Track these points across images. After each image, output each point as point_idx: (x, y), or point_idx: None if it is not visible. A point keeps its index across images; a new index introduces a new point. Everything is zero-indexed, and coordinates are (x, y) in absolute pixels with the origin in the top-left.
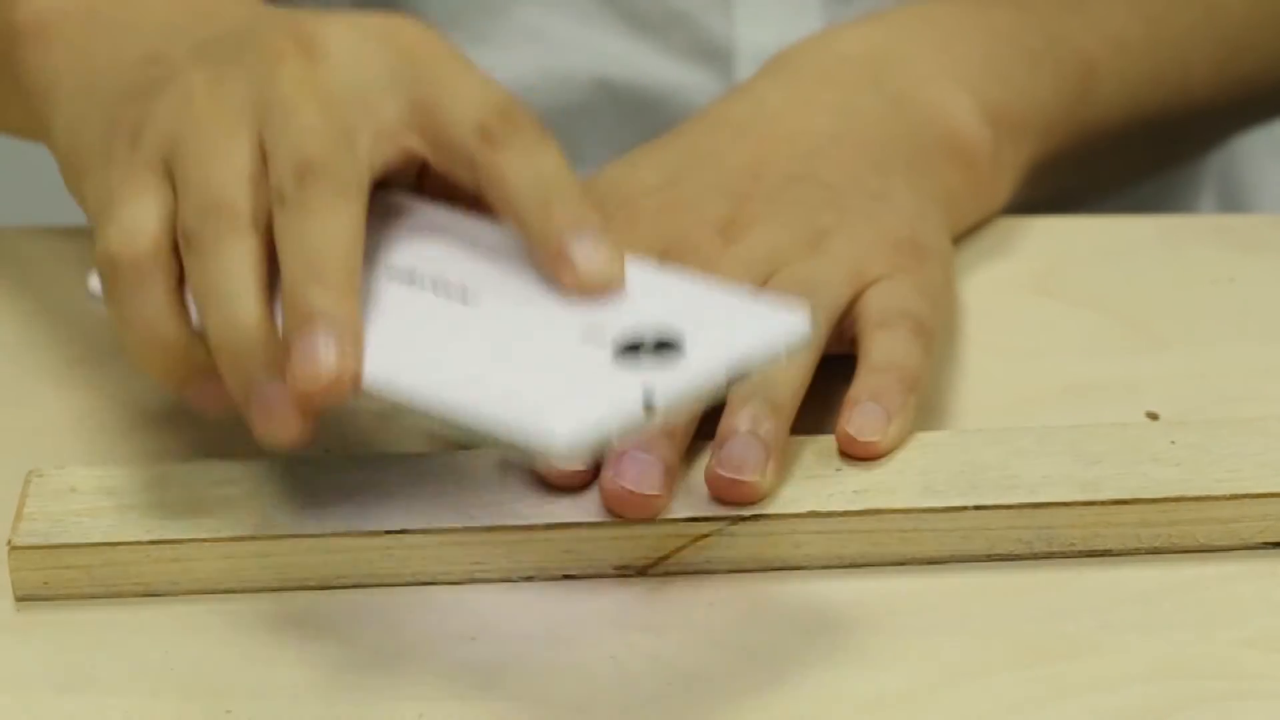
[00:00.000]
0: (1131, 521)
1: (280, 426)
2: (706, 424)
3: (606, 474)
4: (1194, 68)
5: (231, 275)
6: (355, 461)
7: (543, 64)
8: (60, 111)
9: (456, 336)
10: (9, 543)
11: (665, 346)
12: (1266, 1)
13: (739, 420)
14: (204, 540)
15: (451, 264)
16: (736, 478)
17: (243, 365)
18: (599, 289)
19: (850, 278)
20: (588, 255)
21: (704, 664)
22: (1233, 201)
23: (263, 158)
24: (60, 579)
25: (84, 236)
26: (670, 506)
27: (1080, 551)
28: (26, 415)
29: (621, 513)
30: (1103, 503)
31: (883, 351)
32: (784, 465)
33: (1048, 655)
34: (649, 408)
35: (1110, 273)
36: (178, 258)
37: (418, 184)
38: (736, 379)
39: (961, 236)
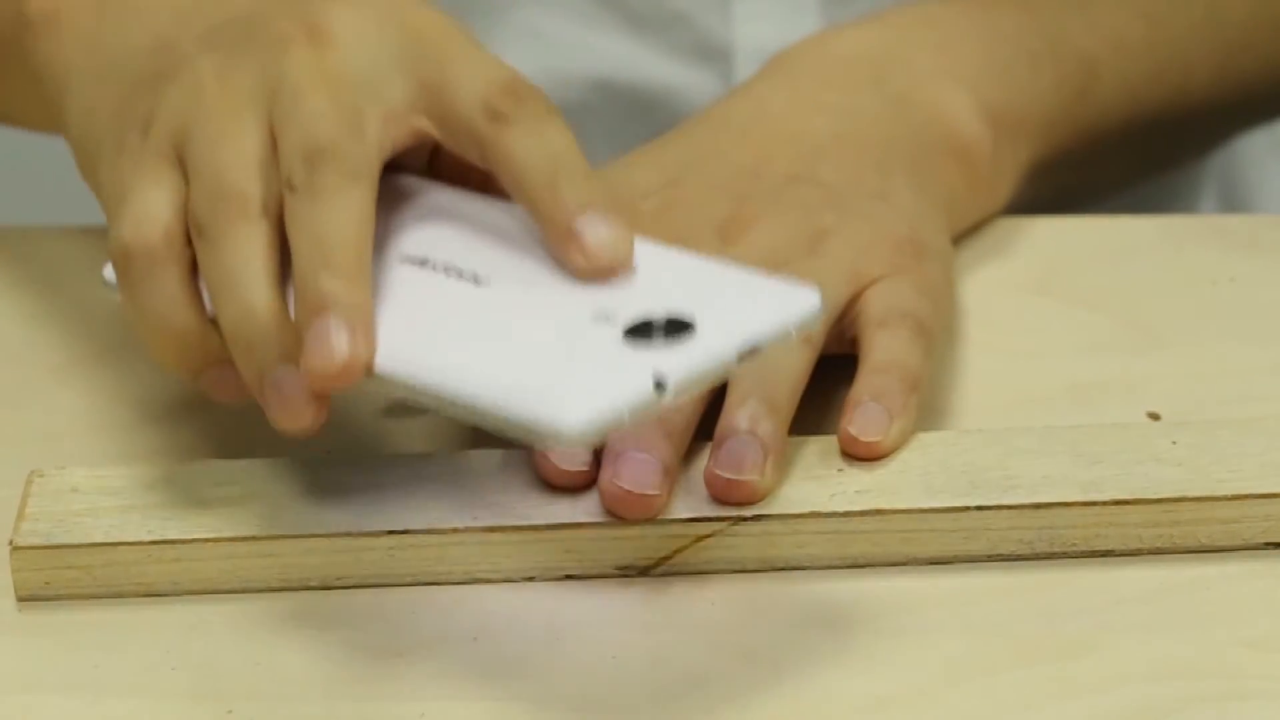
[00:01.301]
0: (1133, 522)
1: (295, 413)
2: (706, 424)
3: (605, 474)
4: (1194, 68)
5: (243, 263)
6: (357, 462)
7: (542, 64)
8: (73, 100)
9: (467, 320)
10: (11, 543)
11: (676, 326)
12: (1267, 2)
13: (737, 420)
14: (206, 540)
15: (463, 247)
16: (735, 477)
17: (256, 353)
18: (607, 268)
19: (850, 278)
20: (596, 234)
21: (705, 664)
22: (1234, 202)
23: (273, 144)
24: (62, 579)
25: (85, 236)
26: (672, 507)
27: (1081, 552)
28: (28, 415)
29: (620, 513)
30: (1104, 503)
31: (884, 351)
32: (783, 464)
33: (1049, 655)
34: (660, 388)
35: (1111, 273)
36: (191, 246)
37: (430, 166)
38: (748, 357)
39: (961, 236)
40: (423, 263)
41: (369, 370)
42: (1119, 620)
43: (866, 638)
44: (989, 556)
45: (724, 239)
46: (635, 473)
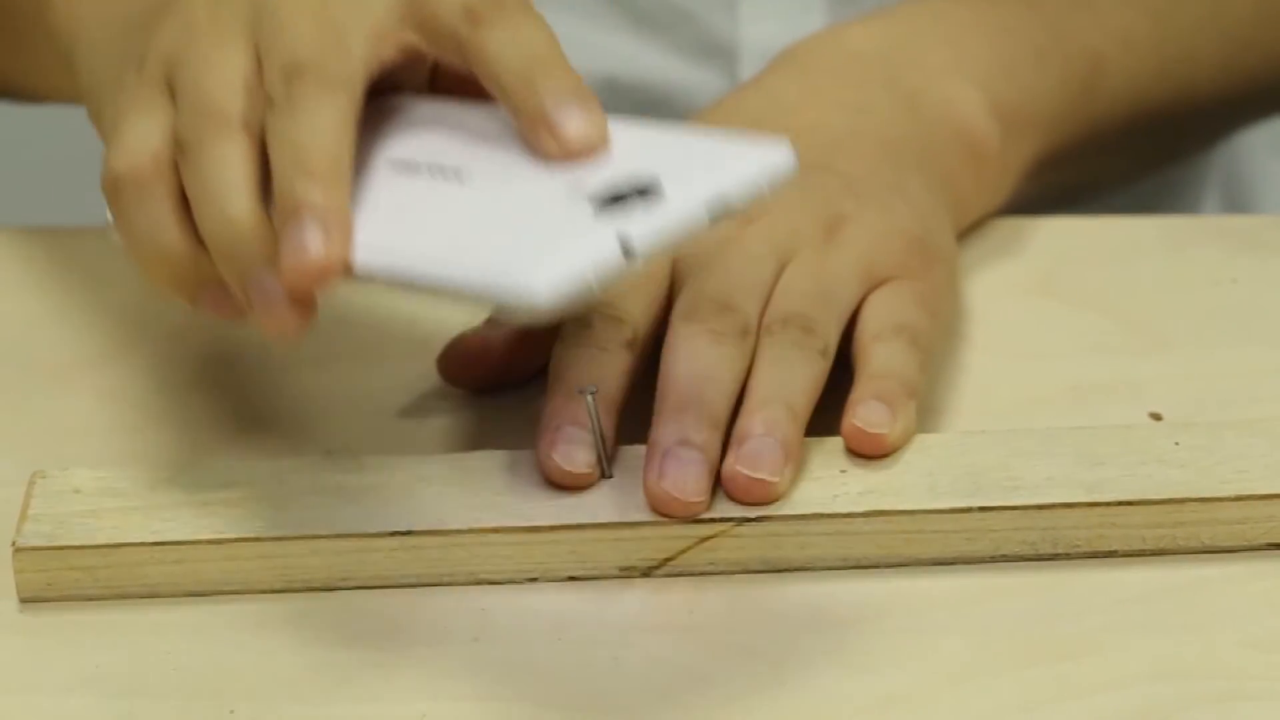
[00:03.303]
0: (1136, 523)
1: (277, 316)
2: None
3: (650, 473)
4: (1199, 64)
5: (222, 174)
6: (359, 463)
7: None
8: (83, 52)
9: (446, 211)
10: (13, 544)
11: (644, 191)
12: None
13: (755, 423)
14: (208, 542)
15: (450, 149)
16: (758, 476)
17: (238, 260)
18: (582, 153)
19: (863, 277)
20: (571, 122)
21: (707, 664)
22: (1236, 202)
23: (259, 66)
24: (64, 580)
25: (87, 236)
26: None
27: (1084, 553)
28: (30, 416)
29: (664, 513)
30: (1107, 504)
31: (880, 362)
32: (798, 469)
33: (1051, 656)
34: (628, 251)
35: (1112, 274)
36: (179, 171)
37: (432, 84)
38: (720, 215)
39: (963, 236)
40: (408, 166)
41: (346, 270)
42: (1122, 621)
43: (869, 638)
44: (992, 557)
45: (742, 219)
46: (680, 475)
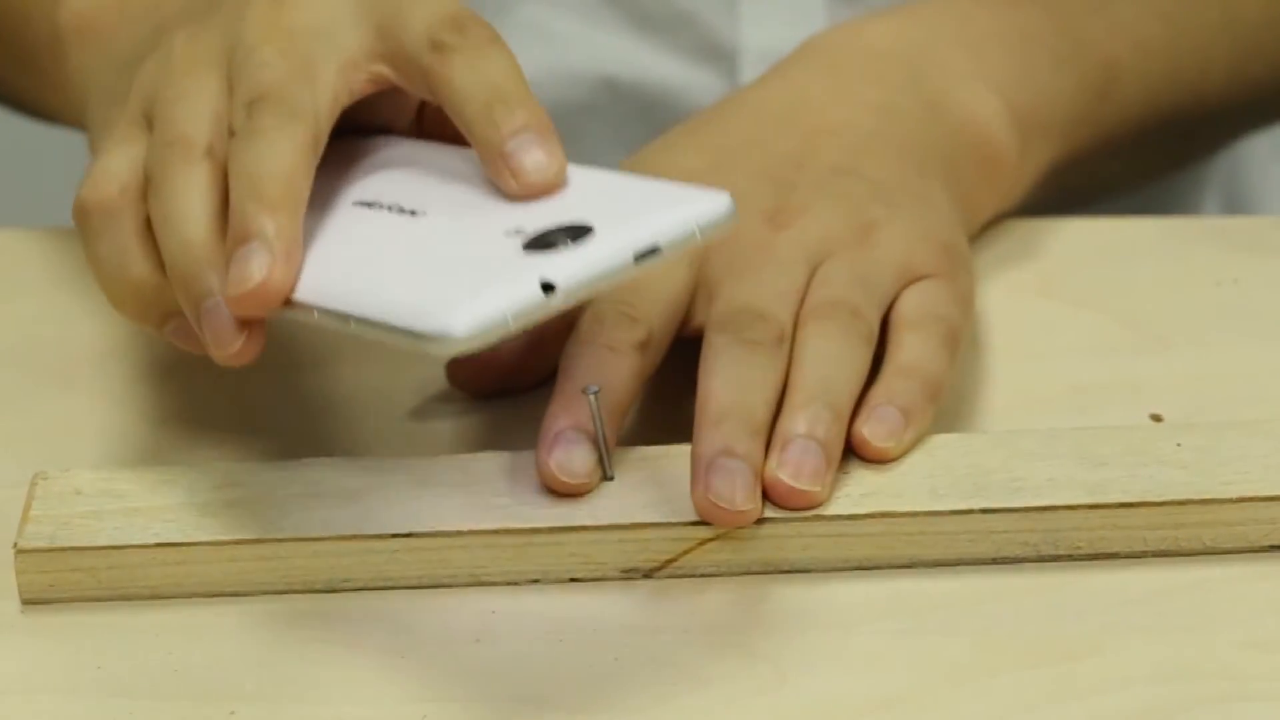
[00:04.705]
0: (1137, 524)
1: (222, 340)
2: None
3: (697, 487)
4: (1210, 70)
5: (182, 201)
6: (361, 464)
7: (548, 62)
8: (90, 99)
9: (391, 248)
10: (15, 546)
11: (575, 233)
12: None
13: (798, 422)
14: (209, 543)
15: (410, 187)
16: (800, 486)
17: (192, 285)
18: (540, 188)
19: (900, 272)
20: (530, 157)
21: (709, 666)
22: (1236, 203)
23: (228, 98)
24: (66, 582)
25: None
26: (675, 510)
27: (1086, 554)
28: (32, 418)
29: (714, 523)
30: (1109, 506)
31: (911, 353)
32: (836, 470)
33: (1053, 657)
34: (548, 289)
35: (1114, 274)
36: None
37: (417, 125)
38: (647, 258)
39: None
40: (370, 205)
41: (285, 293)
42: (1123, 622)
43: (871, 640)
44: (994, 559)
45: (773, 226)
46: (727, 487)
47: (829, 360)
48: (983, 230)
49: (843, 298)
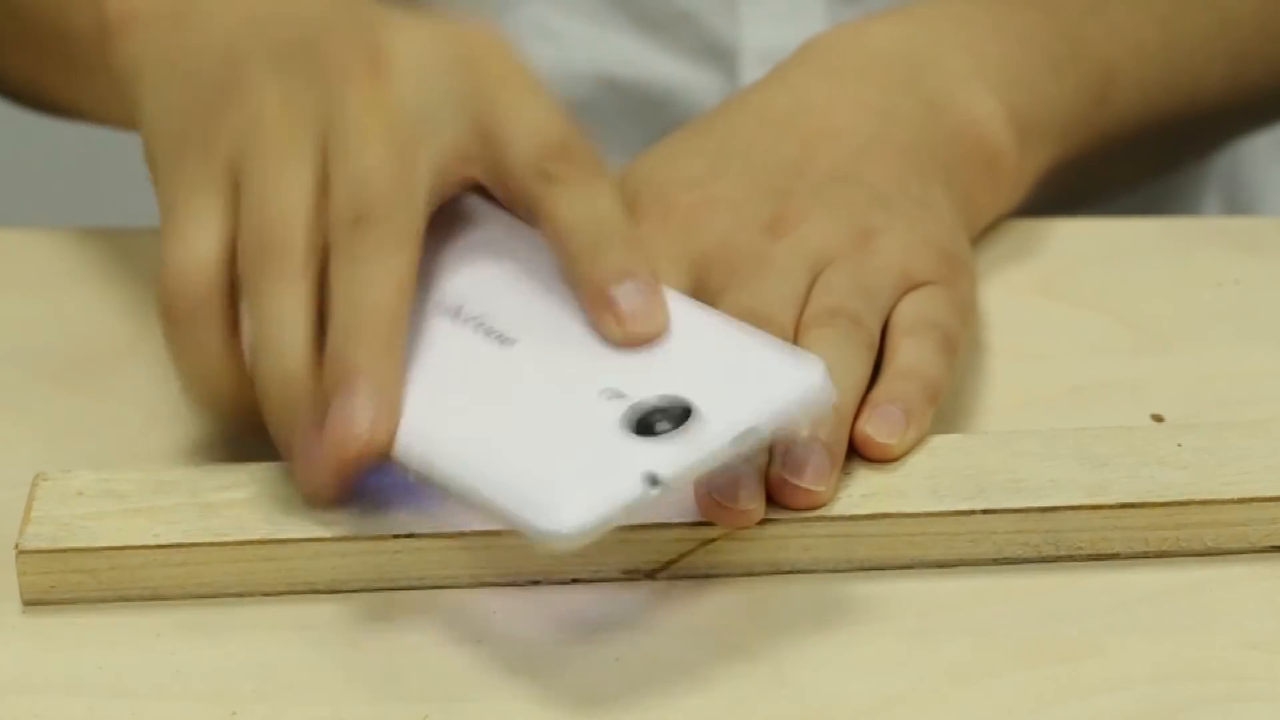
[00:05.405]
0: (1139, 525)
1: (316, 481)
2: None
3: (698, 487)
4: (1206, 74)
5: (281, 324)
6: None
7: (550, 60)
8: (145, 102)
9: (485, 395)
10: (16, 546)
11: (677, 415)
12: (1276, 10)
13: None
14: (211, 544)
15: (497, 298)
16: (803, 485)
17: (286, 418)
18: (640, 337)
19: (900, 280)
20: (631, 303)
21: (711, 666)
22: (1237, 204)
23: (324, 185)
24: (67, 583)
25: (91, 237)
26: (676, 510)
27: (1087, 555)
28: (33, 418)
29: (716, 522)
30: (1110, 506)
31: (908, 358)
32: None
33: (1053, 657)
34: (655, 483)
35: (1114, 275)
36: (233, 300)
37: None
38: (747, 444)
39: None
40: (456, 313)
41: (388, 448)
42: (1124, 623)
43: (872, 640)
44: (994, 560)
45: (772, 234)
46: (729, 487)
47: (830, 367)
48: (982, 231)
49: (843, 306)
